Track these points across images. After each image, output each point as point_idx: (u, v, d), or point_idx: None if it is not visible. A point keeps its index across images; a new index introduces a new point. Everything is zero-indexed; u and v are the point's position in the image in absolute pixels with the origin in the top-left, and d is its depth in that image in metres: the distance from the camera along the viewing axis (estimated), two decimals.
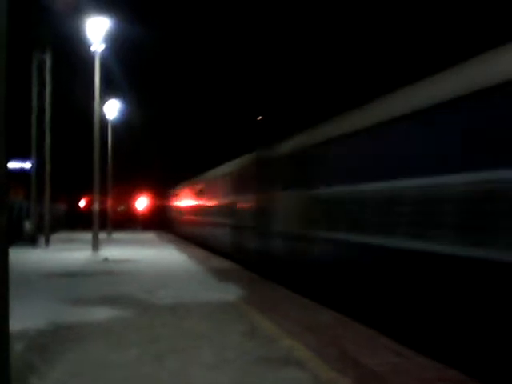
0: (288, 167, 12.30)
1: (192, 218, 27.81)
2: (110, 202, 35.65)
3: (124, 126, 41.39)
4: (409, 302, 7.31)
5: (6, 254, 4.54)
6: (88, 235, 23.51)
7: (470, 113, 6.19)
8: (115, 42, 24.74)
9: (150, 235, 36.13)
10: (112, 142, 35.62)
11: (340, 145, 9.67)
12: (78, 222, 44.26)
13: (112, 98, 33.67)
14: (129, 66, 43.27)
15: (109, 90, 31.95)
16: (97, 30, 20.88)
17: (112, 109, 34.40)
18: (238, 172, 17.35)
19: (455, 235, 6.28)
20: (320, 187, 10.36)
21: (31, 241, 24.40)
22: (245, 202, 16.20)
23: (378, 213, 7.98)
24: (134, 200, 53.25)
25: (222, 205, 19.79)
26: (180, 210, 34.68)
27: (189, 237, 29.45)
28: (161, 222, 45.86)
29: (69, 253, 20.47)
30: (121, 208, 54.00)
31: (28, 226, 24.95)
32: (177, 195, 36.46)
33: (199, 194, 25.12)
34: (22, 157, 33.40)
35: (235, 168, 18.02)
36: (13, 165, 36.07)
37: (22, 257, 18.38)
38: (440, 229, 6.55)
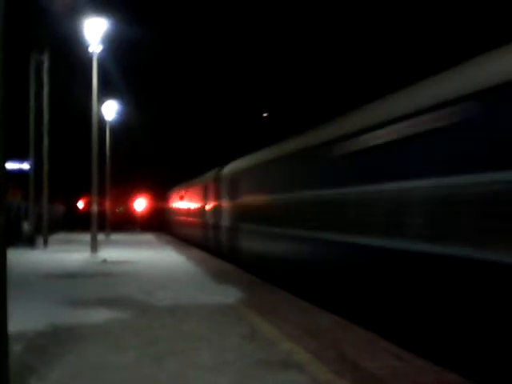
0: (226, 184, 18.83)
1: (184, 219, 31.05)
2: (108, 204, 35.59)
3: (122, 127, 41.41)
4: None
5: (4, 255, 4.52)
6: (86, 236, 23.49)
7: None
8: (113, 42, 24.77)
9: (148, 237, 36.11)
10: (110, 143, 35.58)
11: (244, 174, 16.44)
12: (77, 223, 44.19)
13: (110, 99, 33.63)
14: (127, 66, 43.34)
15: (107, 91, 31.97)
16: (94, 31, 20.84)
17: (110, 110, 34.35)
18: (206, 183, 23.51)
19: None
20: (239, 198, 16.69)
21: (29, 242, 24.36)
22: (209, 206, 22.38)
23: (265, 211, 13.76)
24: (133, 201, 53.17)
25: (199, 207, 25.35)
26: (176, 212, 35.19)
27: (183, 237, 31.51)
28: (159, 223, 45.83)
29: (67, 254, 20.45)
30: (119, 209, 53.95)
31: (26, 226, 24.91)
32: (174, 197, 36.68)
33: (189, 197, 29.16)
34: (20, 157, 33.32)
35: (205, 179, 24.09)
36: (11, 165, 35.98)
37: (20, 258, 18.36)
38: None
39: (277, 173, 13.07)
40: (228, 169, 19.19)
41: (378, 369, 5.69)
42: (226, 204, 18.82)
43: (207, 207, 22.76)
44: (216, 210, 20.61)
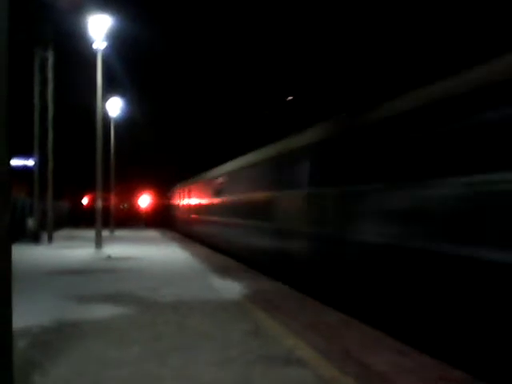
0: (187, 191, 30.22)
1: (176, 214, 36.46)
2: (112, 200, 35.67)
3: (126, 124, 41.43)
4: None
5: (9, 252, 4.52)
6: (91, 233, 23.55)
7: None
8: (117, 39, 24.75)
9: (152, 233, 36.17)
10: (114, 139, 35.61)
11: (202, 184, 25.02)
12: (81, 219, 44.28)
13: (114, 95, 33.66)
14: (131, 63, 43.38)
15: (111, 88, 31.99)
16: (99, 28, 20.82)
17: (114, 106, 34.37)
18: (182, 188, 32.85)
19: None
20: (205, 199, 24.14)
21: (34, 238, 24.43)
22: (184, 204, 31.99)
23: (195, 208, 27.25)
24: (137, 198, 53.25)
25: (181, 205, 33.58)
26: (174, 208, 36.02)
27: (180, 231, 34.07)
28: (164, 219, 45.89)
29: (72, 250, 20.50)
30: (124, 206, 54.03)
31: (31, 223, 24.97)
32: (174, 194, 37.09)
33: (179, 196, 34.87)
34: (25, 154, 33.40)
35: (183, 185, 33.09)
36: (15, 162, 36.08)
37: (24, 254, 18.42)
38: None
39: (199, 188, 24.75)
40: (188, 181, 30.20)
41: (382, 365, 5.68)
42: (187, 203, 29.76)
43: (183, 205, 32.35)
44: (186, 207, 30.95)
